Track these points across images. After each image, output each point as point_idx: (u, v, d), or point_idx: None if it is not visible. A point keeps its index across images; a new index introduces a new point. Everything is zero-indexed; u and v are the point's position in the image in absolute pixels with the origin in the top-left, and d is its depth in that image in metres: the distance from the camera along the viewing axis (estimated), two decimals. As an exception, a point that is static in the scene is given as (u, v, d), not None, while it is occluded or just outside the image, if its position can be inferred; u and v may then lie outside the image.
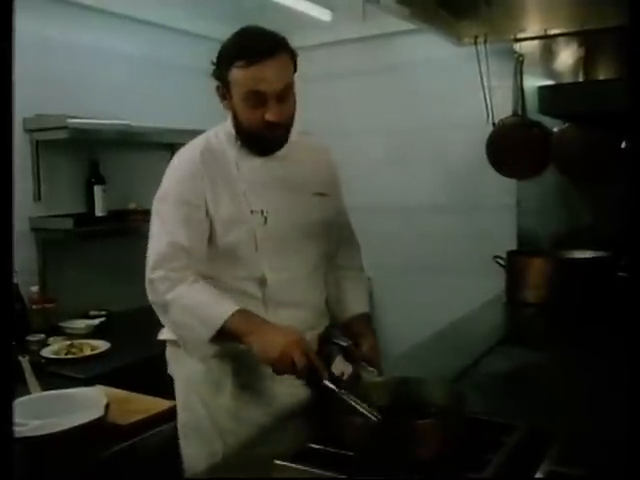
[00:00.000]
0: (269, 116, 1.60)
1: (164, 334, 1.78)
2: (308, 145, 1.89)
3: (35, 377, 1.88)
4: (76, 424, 1.45)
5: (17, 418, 1.44)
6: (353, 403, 1.34)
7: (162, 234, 1.65)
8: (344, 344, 1.67)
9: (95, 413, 1.51)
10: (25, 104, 2.78)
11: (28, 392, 1.77)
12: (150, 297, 1.65)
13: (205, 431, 1.70)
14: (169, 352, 1.82)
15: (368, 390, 1.46)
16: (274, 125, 1.62)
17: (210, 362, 1.70)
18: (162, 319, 1.68)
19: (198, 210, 1.66)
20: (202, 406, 1.71)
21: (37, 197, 2.96)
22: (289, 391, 1.71)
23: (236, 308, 1.56)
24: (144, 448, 1.69)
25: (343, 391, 1.39)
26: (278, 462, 1.30)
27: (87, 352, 2.52)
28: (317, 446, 1.34)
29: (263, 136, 1.66)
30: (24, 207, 2.90)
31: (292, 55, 1.66)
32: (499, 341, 2.29)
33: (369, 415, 1.30)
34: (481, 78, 3.07)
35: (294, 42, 1.73)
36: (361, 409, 1.32)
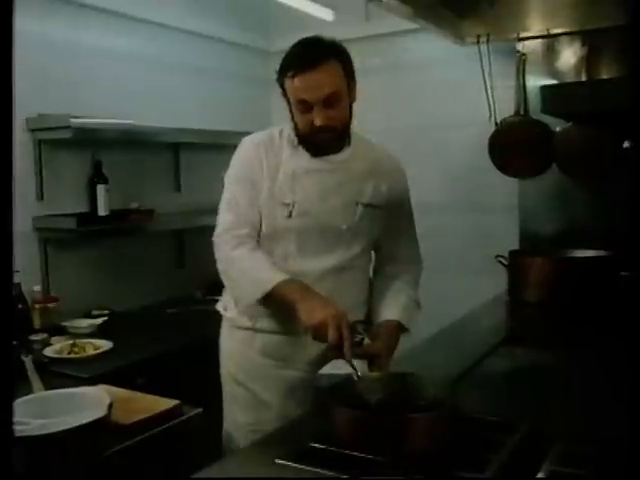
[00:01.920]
0: (316, 121, 1.75)
1: (219, 306, 2.05)
2: (384, 158, 1.99)
3: (38, 376, 1.89)
4: (79, 423, 1.45)
5: (20, 417, 1.44)
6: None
7: (230, 207, 1.88)
8: (357, 338, 1.73)
9: (98, 412, 1.51)
10: (28, 103, 2.78)
11: (31, 391, 1.77)
12: (216, 255, 1.87)
13: (240, 395, 1.97)
14: (222, 323, 2.06)
15: (363, 384, 1.51)
16: (321, 129, 1.76)
17: (241, 343, 1.96)
18: (224, 279, 1.89)
19: (253, 188, 1.86)
20: (231, 369, 2.00)
21: (40, 196, 2.96)
22: (299, 375, 1.90)
23: (287, 277, 1.73)
24: (147, 447, 1.69)
25: (358, 375, 1.52)
26: (279, 461, 1.31)
27: (90, 351, 2.51)
28: (318, 445, 1.34)
29: (313, 139, 1.82)
30: (27, 206, 2.90)
31: (343, 62, 1.79)
32: (501, 341, 2.29)
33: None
34: (483, 77, 3.07)
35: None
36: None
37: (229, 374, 2.01)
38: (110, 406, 1.56)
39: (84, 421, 1.47)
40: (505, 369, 2.07)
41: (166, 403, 1.83)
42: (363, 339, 1.76)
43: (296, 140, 1.87)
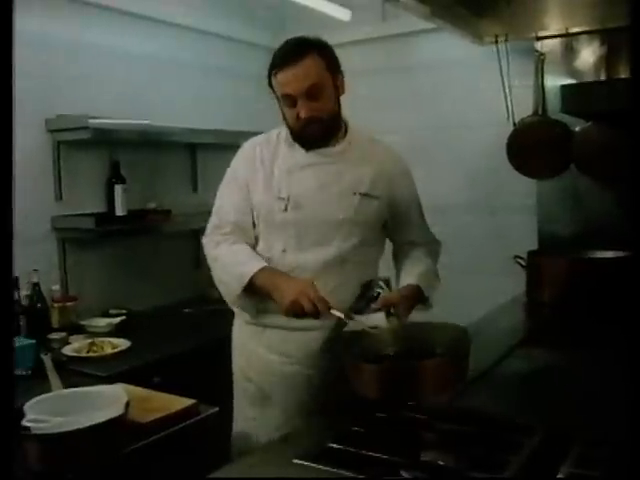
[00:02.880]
0: (301, 113, 1.82)
1: None
2: (380, 148, 2.04)
3: (57, 375, 1.90)
4: (97, 422, 1.46)
5: (39, 415, 1.45)
6: (357, 320, 1.65)
7: (217, 208, 2.00)
8: (375, 292, 1.83)
9: (115, 411, 1.52)
10: (46, 105, 2.80)
11: (50, 389, 1.79)
12: (206, 256, 1.99)
13: (249, 390, 2.02)
14: (234, 319, 2.11)
15: (381, 336, 1.60)
16: (307, 121, 1.83)
17: (249, 339, 2.02)
18: (214, 276, 1.97)
19: (244, 190, 1.95)
20: (241, 365, 2.05)
21: (58, 197, 2.98)
22: (302, 371, 1.93)
23: (262, 266, 1.84)
24: (164, 446, 1.70)
25: (347, 315, 1.68)
26: (297, 461, 1.30)
27: (108, 350, 2.53)
28: (337, 446, 1.34)
29: (302, 133, 1.88)
30: (46, 206, 2.92)
31: (325, 56, 1.86)
32: (519, 342, 2.27)
33: (369, 331, 1.61)
34: (502, 77, 3.05)
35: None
36: (366, 328, 1.62)
37: (240, 370, 2.06)
38: (127, 405, 1.57)
39: (102, 419, 1.48)
40: (523, 370, 2.05)
41: (182, 402, 1.84)
42: (379, 293, 1.83)
43: (290, 137, 1.94)
